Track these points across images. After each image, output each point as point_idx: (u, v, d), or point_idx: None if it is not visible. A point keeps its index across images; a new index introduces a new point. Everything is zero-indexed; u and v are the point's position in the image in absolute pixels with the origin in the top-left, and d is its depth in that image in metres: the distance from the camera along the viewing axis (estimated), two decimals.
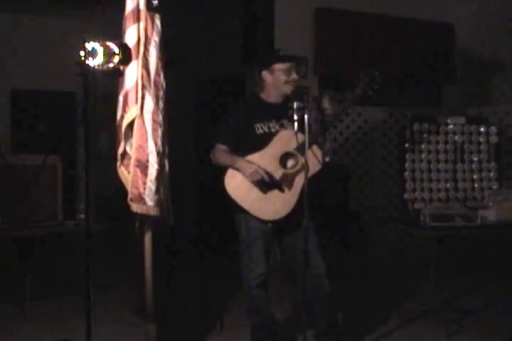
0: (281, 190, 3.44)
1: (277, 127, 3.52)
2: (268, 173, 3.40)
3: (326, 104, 3.62)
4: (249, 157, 3.45)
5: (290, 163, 3.47)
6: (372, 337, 4.09)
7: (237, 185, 3.45)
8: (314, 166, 3.43)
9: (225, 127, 3.58)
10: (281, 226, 3.56)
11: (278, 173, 3.43)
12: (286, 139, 3.41)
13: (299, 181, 3.39)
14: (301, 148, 3.27)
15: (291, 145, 3.39)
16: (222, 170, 3.51)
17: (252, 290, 3.58)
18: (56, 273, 5.46)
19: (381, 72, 3.54)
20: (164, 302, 4.30)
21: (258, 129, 3.51)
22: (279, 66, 3.50)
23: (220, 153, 3.52)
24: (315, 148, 3.44)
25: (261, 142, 3.47)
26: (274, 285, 3.78)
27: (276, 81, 3.51)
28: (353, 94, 3.58)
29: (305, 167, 3.22)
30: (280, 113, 3.50)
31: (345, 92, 3.60)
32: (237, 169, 3.44)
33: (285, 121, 3.51)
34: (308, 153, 3.32)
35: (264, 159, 3.43)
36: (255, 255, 3.53)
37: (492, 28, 6.69)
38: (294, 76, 3.50)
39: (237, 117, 3.57)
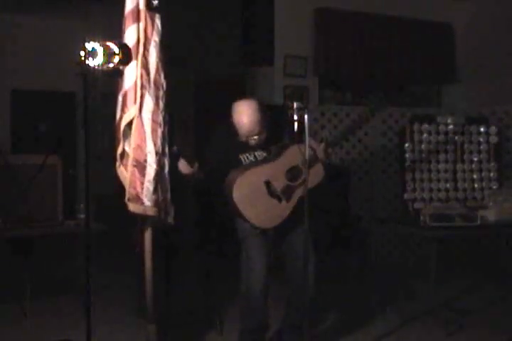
0: (280, 200, 3.51)
1: (264, 154, 3.59)
2: (272, 188, 3.48)
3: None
4: (261, 167, 3.52)
5: (294, 175, 3.54)
6: (373, 337, 4.09)
7: (245, 192, 3.46)
8: (316, 178, 3.50)
9: (207, 159, 3.59)
10: (280, 230, 3.59)
11: (281, 185, 3.51)
12: (295, 153, 3.45)
13: (298, 193, 3.50)
14: (305, 163, 3.32)
15: (299, 160, 3.45)
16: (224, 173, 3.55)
17: (252, 291, 3.56)
18: (56, 273, 5.46)
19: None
20: (164, 302, 4.31)
21: (245, 160, 3.59)
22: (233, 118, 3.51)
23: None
24: (319, 164, 3.54)
25: None
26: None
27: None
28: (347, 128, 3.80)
29: (306, 179, 3.28)
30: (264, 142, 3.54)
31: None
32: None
33: (273, 148, 3.57)
34: (312, 168, 3.44)
35: (272, 170, 3.51)
36: (256, 256, 3.55)
37: (491, 27, 6.69)
38: (244, 119, 3.47)
39: (218, 150, 3.62)
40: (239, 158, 3.58)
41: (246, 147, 3.56)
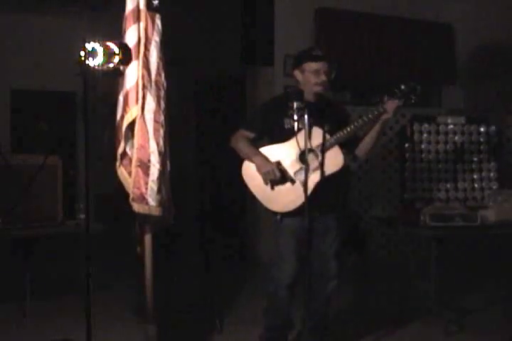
0: (294, 183, 3.42)
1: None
2: (283, 170, 3.42)
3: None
4: (271, 147, 3.48)
5: (310, 159, 3.38)
6: (373, 337, 4.09)
7: (253, 173, 3.47)
8: (333, 166, 3.39)
9: (257, 115, 3.64)
10: (311, 226, 3.54)
11: (295, 167, 3.43)
12: (310, 135, 3.35)
13: (314, 178, 3.35)
14: (322, 147, 3.25)
15: (315, 142, 3.36)
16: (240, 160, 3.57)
17: (279, 290, 3.54)
18: (56, 273, 5.46)
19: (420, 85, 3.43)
20: (164, 302, 4.30)
21: (286, 124, 3.48)
22: (309, 66, 3.44)
23: (243, 140, 3.54)
24: (336, 148, 3.41)
25: (285, 136, 3.45)
26: None
27: (306, 81, 3.47)
28: (388, 104, 3.40)
29: (320, 166, 3.26)
30: (310, 111, 3.31)
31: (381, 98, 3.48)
32: (252, 161, 3.47)
33: (312, 120, 3.39)
34: (329, 152, 3.34)
35: (284, 150, 3.44)
36: (285, 254, 3.51)
37: (491, 27, 6.69)
38: (323, 77, 3.42)
39: (271, 108, 3.58)
40: (283, 120, 3.48)
41: (292, 113, 3.39)
